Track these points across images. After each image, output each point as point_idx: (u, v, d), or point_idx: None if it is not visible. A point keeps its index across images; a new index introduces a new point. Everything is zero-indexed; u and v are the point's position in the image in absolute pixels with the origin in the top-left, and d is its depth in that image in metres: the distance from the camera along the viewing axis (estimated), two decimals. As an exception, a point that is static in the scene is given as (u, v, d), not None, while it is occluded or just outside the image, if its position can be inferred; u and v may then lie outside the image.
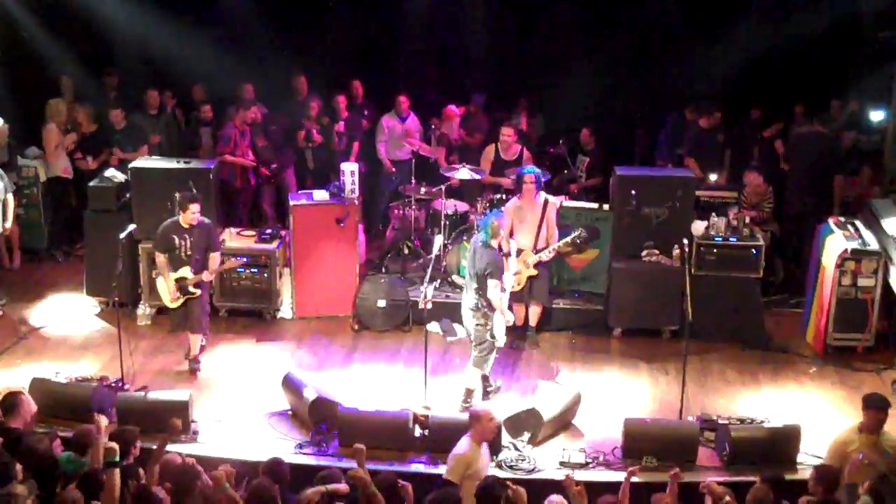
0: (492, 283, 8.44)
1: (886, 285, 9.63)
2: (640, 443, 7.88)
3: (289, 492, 6.59)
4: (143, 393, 8.58)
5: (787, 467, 7.64)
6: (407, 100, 12.56)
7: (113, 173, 10.92)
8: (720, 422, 8.23)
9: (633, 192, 10.13)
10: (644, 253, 10.18)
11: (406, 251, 11.22)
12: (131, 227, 9.69)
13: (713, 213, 10.34)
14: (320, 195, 10.71)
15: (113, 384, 8.85)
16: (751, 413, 8.50)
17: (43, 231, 12.19)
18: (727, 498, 6.33)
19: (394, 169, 12.58)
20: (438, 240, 9.66)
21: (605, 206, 10.60)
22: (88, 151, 12.14)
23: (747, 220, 10.27)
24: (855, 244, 9.67)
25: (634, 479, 7.12)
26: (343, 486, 6.50)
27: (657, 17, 13.51)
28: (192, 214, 9.13)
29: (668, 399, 8.98)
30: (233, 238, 10.63)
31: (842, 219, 10.21)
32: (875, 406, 7.14)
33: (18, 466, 6.46)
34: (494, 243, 8.59)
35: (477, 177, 10.97)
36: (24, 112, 12.33)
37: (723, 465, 7.91)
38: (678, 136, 12.46)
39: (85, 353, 9.82)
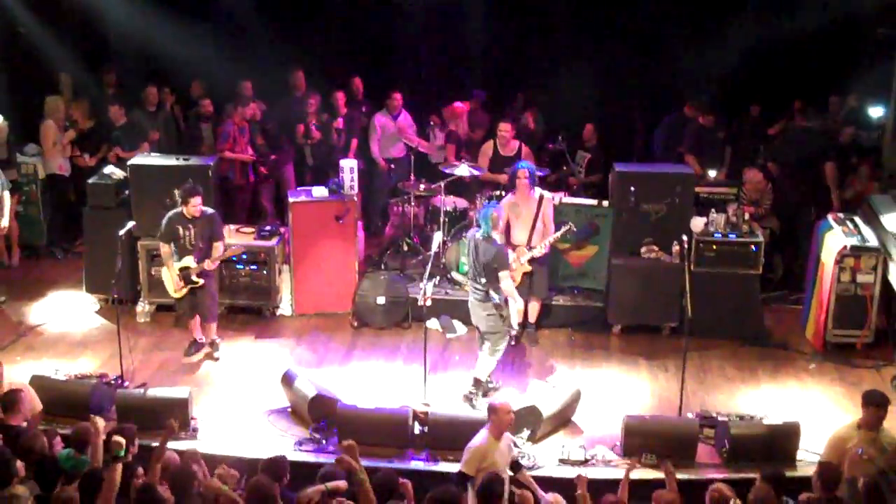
0: (502, 275, 8.51)
1: (886, 282, 9.63)
2: (639, 439, 7.88)
3: (289, 490, 6.59)
4: (142, 390, 8.58)
5: (787, 464, 7.64)
6: (400, 97, 12.54)
7: (112, 170, 10.92)
8: (720, 418, 8.23)
9: (633, 188, 10.13)
10: (643, 249, 10.17)
11: (405, 248, 11.22)
12: (130, 223, 9.72)
13: (712, 210, 10.33)
14: (319, 192, 10.70)
15: (112, 381, 8.85)
16: (750, 410, 8.49)
17: (42, 228, 12.20)
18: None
19: (389, 167, 12.57)
20: (438, 236, 9.65)
21: (605, 203, 10.59)
22: (86, 148, 12.13)
23: (746, 216, 10.26)
24: (854, 241, 9.66)
25: (634, 476, 7.16)
26: (343, 483, 6.49)
27: (656, 13, 13.50)
28: (193, 207, 9.20)
29: (667, 396, 8.98)
30: (232, 235, 10.62)
31: (841, 215, 10.20)
32: (874, 403, 7.13)
33: (20, 464, 6.47)
34: (495, 234, 8.61)
35: (476, 173, 10.96)
36: (24, 109, 12.31)
37: (722, 462, 7.92)
38: (677, 134, 12.44)
39: (84, 350, 9.82)
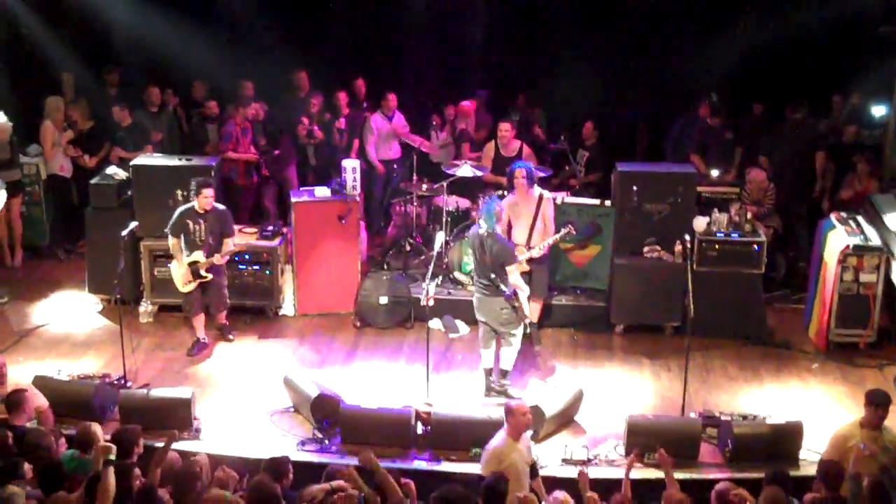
0: (510, 269, 8.54)
1: (888, 281, 9.62)
2: (642, 439, 7.86)
3: (291, 489, 6.61)
4: (145, 390, 8.58)
5: (790, 464, 7.63)
6: (395, 97, 12.53)
7: (114, 171, 10.93)
8: (722, 418, 8.23)
9: (635, 188, 10.13)
10: (646, 249, 10.17)
11: (408, 248, 11.22)
12: (133, 224, 9.74)
13: (715, 209, 10.32)
14: (322, 192, 10.70)
15: (115, 382, 8.85)
16: (753, 409, 8.49)
17: (45, 228, 12.21)
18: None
19: (383, 169, 12.57)
20: (440, 236, 9.66)
21: (607, 203, 10.58)
22: (87, 149, 12.13)
23: (749, 215, 10.26)
24: (857, 240, 9.65)
25: (637, 475, 7.16)
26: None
27: (658, 11, 13.49)
28: (205, 199, 9.32)
29: (670, 395, 8.98)
30: (235, 235, 10.62)
31: (843, 214, 10.19)
32: (876, 403, 7.16)
33: (28, 466, 6.48)
34: (499, 228, 8.64)
35: (479, 173, 10.96)
36: (26, 109, 12.32)
37: (725, 462, 7.92)
38: (686, 134, 12.44)
39: (87, 350, 9.82)
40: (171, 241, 9.48)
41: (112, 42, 13.62)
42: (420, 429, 8.21)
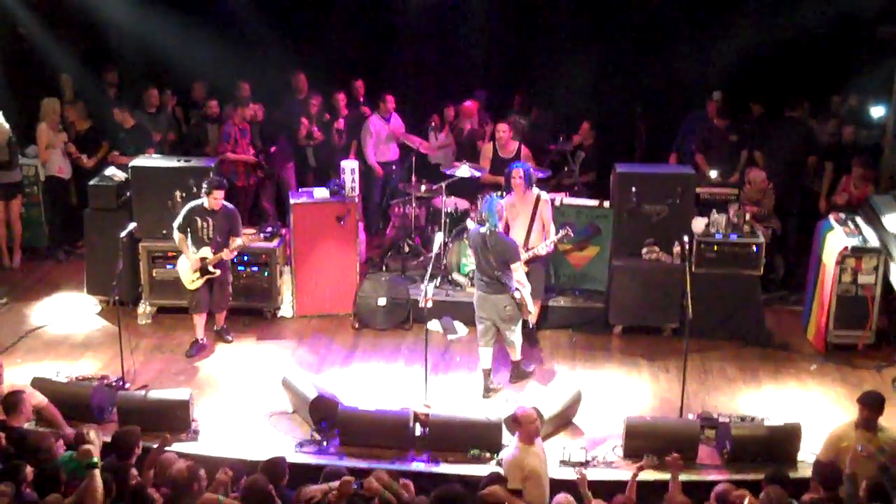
0: (514, 266, 8.67)
1: (887, 282, 9.62)
2: (640, 441, 7.87)
3: (287, 489, 6.61)
4: (143, 392, 8.58)
5: (788, 465, 7.63)
6: (393, 99, 12.53)
7: (113, 172, 10.92)
8: (721, 419, 8.22)
9: (634, 189, 10.13)
10: (644, 250, 10.17)
11: (406, 249, 11.23)
12: (132, 225, 9.74)
13: (714, 210, 10.33)
14: (321, 193, 10.70)
15: (114, 383, 8.86)
16: (751, 411, 8.50)
17: (43, 230, 12.21)
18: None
19: (381, 171, 12.57)
20: (439, 238, 9.66)
21: (606, 204, 10.59)
22: (84, 150, 12.12)
23: (747, 216, 10.26)
24: (855, 241, 9.65)
25: (638, 477, 7.16)
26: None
27: (656, 11, 13.49)
28: (215, 200, 9.40)
29: (668, 397, 8.98)
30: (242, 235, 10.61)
31: (842, 215, 10.19)
32: (868, 404, 7.20)
33: (29, 469, 6.49)
34: (501, 225, 8.70)
35: (477, 174, 10.96)
36: (25, 111, 12.31)
37: (723, 463, 7.92)
38: (693, 134, 12.46)
39: (85, 352, 9.82)
40: (178, 236, 9.51)
41: (110, 43, 13.61)
42: (418, 430, 8.21)
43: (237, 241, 9.60)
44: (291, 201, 10.61)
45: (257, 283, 10.53)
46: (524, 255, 9.38)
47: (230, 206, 9.67)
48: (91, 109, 12.47)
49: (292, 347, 10.03)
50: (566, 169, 12.19)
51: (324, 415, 8.27)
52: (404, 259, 11.17)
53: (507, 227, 9.36)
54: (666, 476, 7.12)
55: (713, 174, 11.63)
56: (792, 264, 11.34)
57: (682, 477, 7.30)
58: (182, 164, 10.54)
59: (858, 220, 10.05)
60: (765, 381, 9.39)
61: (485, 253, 8.69)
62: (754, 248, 10.02)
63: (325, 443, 8.10)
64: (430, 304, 8.64)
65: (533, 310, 9.26)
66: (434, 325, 10.16)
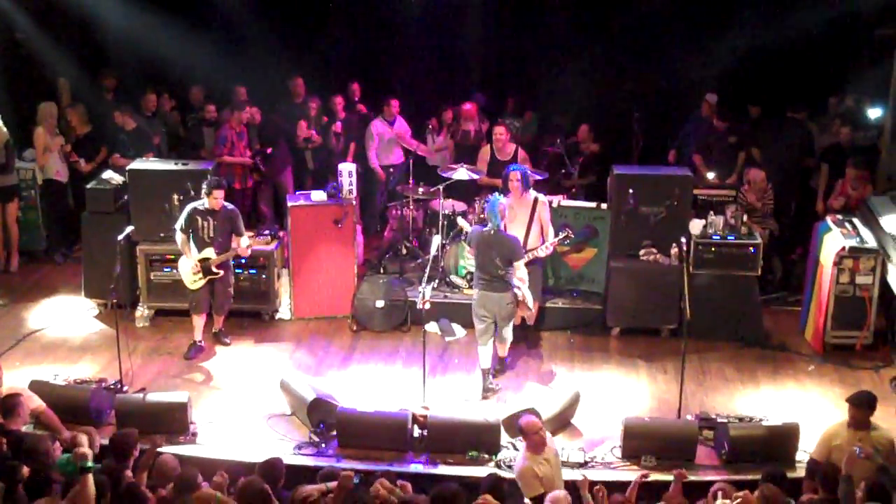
0: (518, 264, 8.80)
1: (884, 283, 9.63)
2: (639, 442, 7.88)
3: (284, 491, 6.61)
4: (141, 395, 8.57)
5: (786, 465, 7.62)
6: (397, 103, 12.54)
7: (111, 175, 10.92)
8: (719, 420, 8.22)
9: (631, 191, 10.13)
10: (642, 252, 10.17)
11: (404, 251, 11.25)
12: (129, 228, 9.72)
13: (711, 212, 10.34)
14: (318, 196, 10.70)
15: (111, 386, 8.84)
16: (750, 411, 8.48)
17: (41, 233, 12.21)
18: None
19: (384, 175, 12.58)
20: (436, 240, 9.65)
21: (604, 205, 10.60)
22: (83, 154, 12.12)
23: (745, 218, 10.27)
24: (853, 242, 9.66)
25: (632, 476, 7.17)
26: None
27: (653, 13, 13.51)
28: (216, 199, 9.41)
29: (666, 398, 8.97)
30: (244, 234, 10.61)
31: (839, 216, 10.21)
32: (857, 404, 7.27)
33: (25, 470, 6.48)
34: (503, 225, 8.79)
35: (475, 177, 10.97)
36: (22, 115, 12.31)
37: (721, 464, 7.91)
38: (693, 135, 12.50)
39: (83, 354, 9.81)
40: (181, 237, 9.51)
41: (108, 47, 13.61)
42: (416, 432, 8.20)
43: (246, 240, 9.59)
44: (289, 204, 10.61)
45: (255, 285, 10.53)
46: (525, 257, 9.39)
47: (230, 206, 9.67)
48: (89, 113, 12.47)
49: (290, 349, 10.03)
50: (563, 171, 12.20)
51: (322, 417, 8.27)
52: (402, 261, 11.18)
53: (504, 230, 9.36)
54: (665, 477, 7.12)
55: (710, 176, 11.65)
56: (789, 265, 11.34)
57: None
58: (179, 167, 10.54)
59: (856, 220, 10.07)
60: (763, 381, 9.39)
61: (488, 252, 8.75)
62: (752, 249, 10.02)
63: (323, 445, 8.10)
64: (427, 306, 8.65)
65: (532, 307, 9.32)
66: (432, 326, 10.17)
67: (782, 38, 12.70)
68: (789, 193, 11.60)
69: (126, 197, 10.56)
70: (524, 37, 14.40)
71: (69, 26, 13.14)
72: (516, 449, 7.97)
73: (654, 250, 10.14)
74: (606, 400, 8.98)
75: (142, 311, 10.51)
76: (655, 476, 7.41)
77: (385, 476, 6.69)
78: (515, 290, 8.84)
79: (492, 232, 8.73)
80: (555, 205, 10.36)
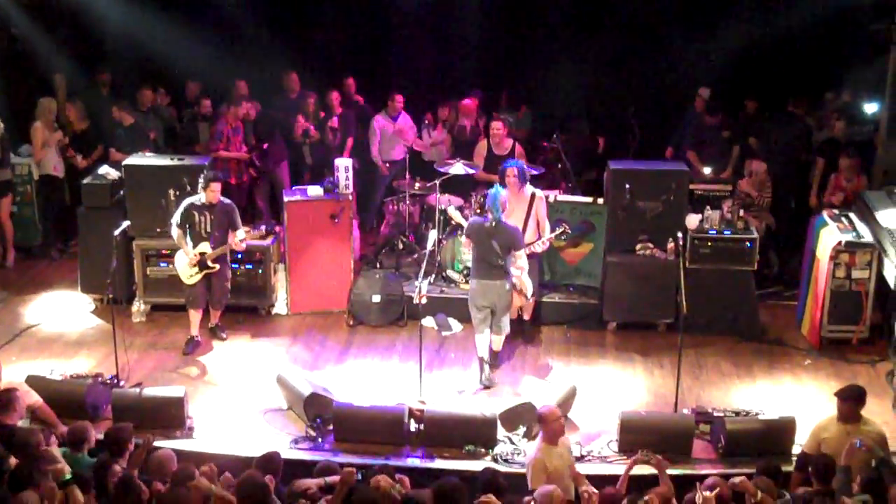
0: (519, 253, 8.95)
1: (880, 277, 9.63)
2: (635, 436, 7.88)
3: (281, 485, 6.61)
4: (138, 390, 8.56)
5: (782, 459, 7.63)
6: (402, 99, 12.55)
7: (107, 170, 10.90)
8: (715, 414, 8.24)
9: (628, 185, 10.13)
10: (638, 247, 10.18)
11: (400, 246, 11.25)
12: (125, 223, 9.74)
13: (707, 207, 10.34)
14: (314, 191, 10.69)
15: (108, 381, 8.83)
16: (746, 405, 8.50)
17: (37, 229, 12.20)
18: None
19: (387, 172, 12.58)
20: (433, 235, 9.66)
21: (600, 200, 10.60)
22: (80, 150, 12.10)
23: (741, 213, 10.27)
24: (849, 236, 9.67)
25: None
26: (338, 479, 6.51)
27: (649, 8, 13.51)
28: (213, 193, 9.40)
29: (663, 392, 8.98)
30: (241, 228, 10.60)
31: (836, 211, 10.22)
32: (844, 398, 7.32)
33: (13, 461, 6.47)
34: (503, 216, 8.81)
35: (471, 172, 10.97)
36: (17, 110, 12.30)
37: (718, 458, 7.93)
38: (687, 131, 12.51)
39: (80, 350, 9.80)
40: (177, 232, 9.50)
41: (104, 42, 13.60)
42: (413, 426, 8.20)
43: (241, 234, 9.59)
44: (285, 199, 10.61)
45: (252, 280, 10.53)
46: (524, 251, 9.40)
47: (227, 200, 9.66)
48: (86, 109, 12.46)
49: (287, 344, 10.02)
50: (559, 166, 12.20)
51: (318, 411, 8.26)
52: (398, 256, 11.18)
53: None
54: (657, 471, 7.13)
55: (707, 170, 11.66)
56: (785, 260, 11.36)
57: (677, 471, 7.35)
58: (176, 162, 10.53)
59: (852, 215, 10.08)
60: (759, 375, 9.40)
61: (488, 242, 8.80)
62: (748, 244, 10.03)
63: (319, 439, 8.09)
64: (424, 301, 8.66)
65: (530, 294, 9.36)
66: (428, 321, 10.17)
67: (779, 33, 12.75)
68: (788, 188, 11.61)
69: (122, 192, 10.55)
70: (519, 31, 14.42)
71: (65, 21, 13.11)
72: (513, 443, 7.99)
73: (651, 245, 10.15)
74: (603, 394, 8.98)
75: (138, 307, 10.50)
76: (648, 469, 7.40)
77: (382, 470, 6.68)
78: (514, 278, 8.90)
79: (493, 223, 8.77)
80: (551, 200, 10.37)
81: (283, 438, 8.14)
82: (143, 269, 10.43)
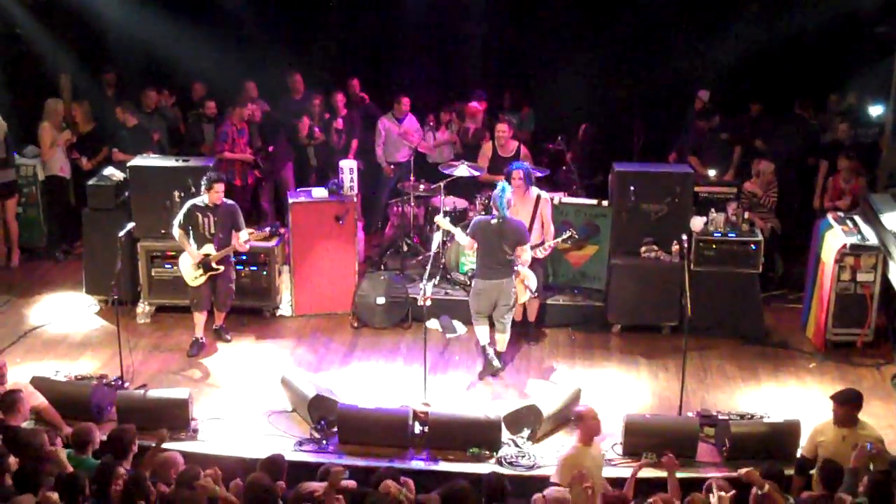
0: (525, 248, 9.03)
1: (885, 280, 9.62)
2: (639, 438, 7.87)
3: (286, 487, 6.61)
4: (142, 391, 8.57)
5: (788, 462, 7.62)
6: (408, 101, 12.55)
7: (112, 171, 10.92)
8: (720, 417, 8.23)
9: (632, 188, 10.13)
10: (643, 249, 10.17)
11: (405, 248, 11.23)
12: (130, 225, 9.75)
13: (712, 209, 10.33)
14: (319, 193, 10.70)
15: (112, 382, 8.83)
16: (751, 408, 8.49)
17: (42, 230, 12.20)
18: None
19: (392, 175, 12.58)
20: (437, 236, 9.66)
21: (605, 203, 10.59)
22: (85, 151, 12.11)
23: (745, 215, 10.27)
24: (854, 239, 9.66)
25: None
26: (350, 483, 6.52)
27: (654, 10, 13.51)
28: (216, 194, 9.42)
29: (667, 395, 8.98)
30: (244, 229, 10.60)
31: (841, 214, 10.21)
32: (839, 402, 7.33)
33: (13, 459, 6.47)
34: (509, 214, 8.91)
35: (476, 174, 10.96)
36: (23, 110, 12.32)
37: (723, 461, 7.91)
38: (687, 136, 12.51)
39: (84, 351, 9.81)
40: (179, 233, 9.50)
41: (109, 43, 13.61)
42: (417, 429, 8.20)
43: (244, 235, 9.58)
44: (290, 201, 10.61)
45: (256, 282, 10.53)
46: (528, 253, 9.41)
47: (229, 201, 9.66)
48: (91, 110, 12.47)
49: (291, 346, 10.02)
50: (563, 168, 12.19)
51: (323, 413, 8.26)
52: (403, 258, 11.17)
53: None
54: (663, 473, 7.12)
55: (712, 173, 11.65)
56: (790, 262, 11.35)
57: (682, 474, 7.32)
58: (180, 163, 10.53)
59: (857, 218, 10.06)
60: (764, 378, 9.39)
61: (495, 240, 8.86)
62: (753, 247, 10.02)
63: (324, 441, 8.09)
64: (428, 303, 8.67)
65: (534, 288, 9.37)
66: (433, 323, 10.16)
67: (783, 35, 12.72)
68: (793, 191, 11.59)
69: (127, 193, 10.56)
70: (523, 32, 14.40)
71: (70, 22, 13.12)
72: (517, 446, 7.98)
73: (656, 247, 10.15)
74: (607, 397, 8.96)
75: (143, 308, 10.50)
76: (654, 473, 7.40)
77: (387, 473, 6.68)
78: (518, 268, 9.02)
79: (500, 221, 8.83)
80: (556, 202, 10.36)
81: (287, 440, 8.14)
82: (147, 271, 10.44)
